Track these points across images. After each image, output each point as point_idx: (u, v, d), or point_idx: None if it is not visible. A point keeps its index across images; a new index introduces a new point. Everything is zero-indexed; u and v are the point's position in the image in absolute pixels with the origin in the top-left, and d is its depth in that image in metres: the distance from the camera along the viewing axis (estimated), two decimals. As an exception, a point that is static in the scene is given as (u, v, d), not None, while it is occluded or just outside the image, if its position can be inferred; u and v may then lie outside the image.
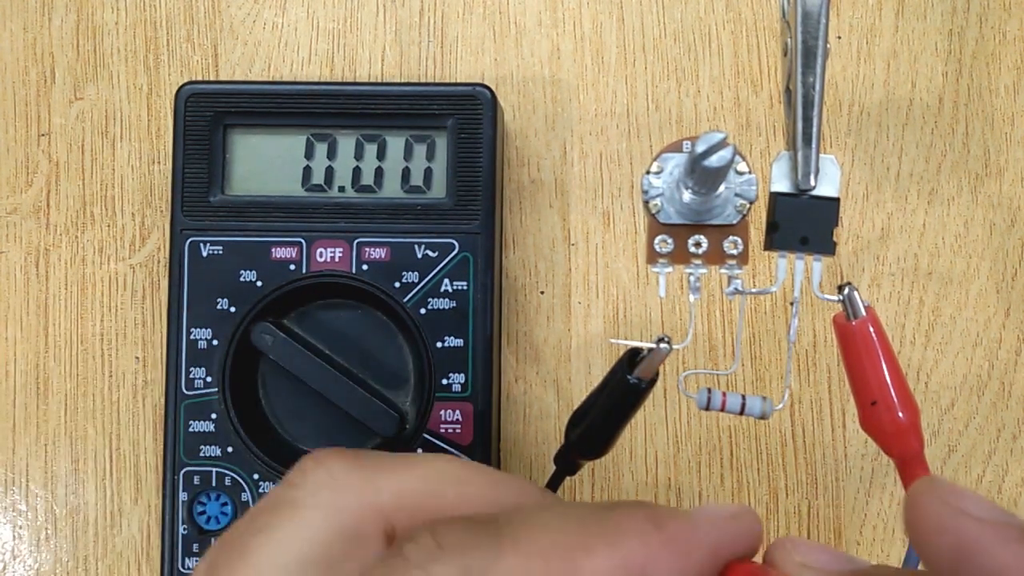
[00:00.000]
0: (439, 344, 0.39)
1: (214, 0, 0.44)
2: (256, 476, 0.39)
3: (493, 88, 0.40)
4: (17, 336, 0.43)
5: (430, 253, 0.39)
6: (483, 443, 0.39)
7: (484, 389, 0.39)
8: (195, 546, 0.39)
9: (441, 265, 0.39)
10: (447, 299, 0.39)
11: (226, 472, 0.39)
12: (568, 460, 0.33)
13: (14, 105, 0.44)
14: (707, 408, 0.29)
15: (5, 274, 0.43)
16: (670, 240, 0.29)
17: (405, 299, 0.39)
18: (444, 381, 0.39)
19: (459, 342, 0.39)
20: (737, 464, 0.43)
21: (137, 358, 0.43)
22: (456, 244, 0.39)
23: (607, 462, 0.43)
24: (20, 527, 0.43)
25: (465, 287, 0.39)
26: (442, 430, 0.39)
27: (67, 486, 0.43)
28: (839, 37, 0.44)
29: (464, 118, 0.40)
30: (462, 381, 0.39)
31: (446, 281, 0.39)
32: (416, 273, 0.39)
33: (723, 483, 0.42)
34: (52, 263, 0.43)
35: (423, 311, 0.39)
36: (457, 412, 0.39)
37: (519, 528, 0.23)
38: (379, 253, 0.39)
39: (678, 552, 0.22)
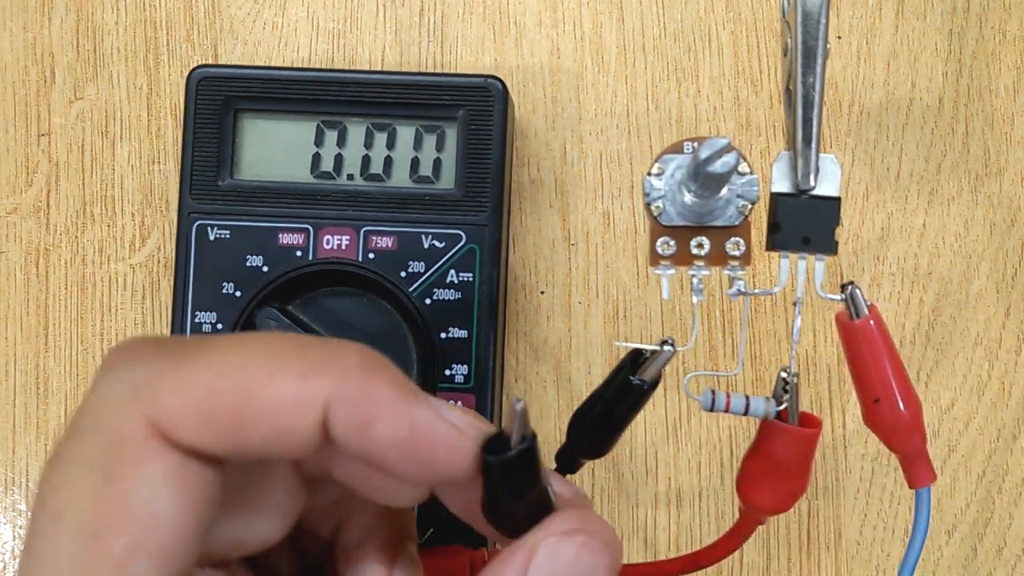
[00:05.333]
0: (443, 335, 0.39)
1: (214, 0, 0.44)
2: None
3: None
4: (17, 336, 0.43)
5: (437, 244, 0.39)
6: None
7: (487, 381, 0.39)
8: None
9: (448, 256, 0.39)
10: (453, 290, 0.39)
11: None
12: (569, 458, 0.33)
13: (14, 105, 0.44)
14: (711, 409, 0.29)
15: (5, 274, 0.43)
16: (672, 242, 0.29)
17: (411, 289, 0.39)
18: (447, 372, 0.39)
19: (463, 333, 0.39)
20: (737, 464, 0.43)
21: (137, 358, 0.43)
22: (463, 235, 0.39)
23: (607, 462, 0.43)
24: (20, 527, 0.43)
25: (471, 278, 0.39)
26: None
27: (67, 486, 0.43)
28: (839, 37, 0.44)
29: (475, 110, 0.40)
30: (465, 372, 0.39)
31: (452, 272, 0.39)
32: (422, 263, 0.39)
33: (723, 483, 0.42)
34: (52, 263, 0.43)
35: (428, 301, 0.39)
36: (459, 403, 0.39)
37: (213, 348, 0.23)
38: (386, 242, 0.39)
39: (361, 419, 0.22)
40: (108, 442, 0.22)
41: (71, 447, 0.23)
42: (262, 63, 0.44)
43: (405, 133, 0.40)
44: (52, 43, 0.44)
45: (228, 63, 0.44)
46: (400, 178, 0.40)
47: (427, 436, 0.23)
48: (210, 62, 0.44)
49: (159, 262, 0.43)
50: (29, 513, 0.22)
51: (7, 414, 0.43)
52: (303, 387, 0.22)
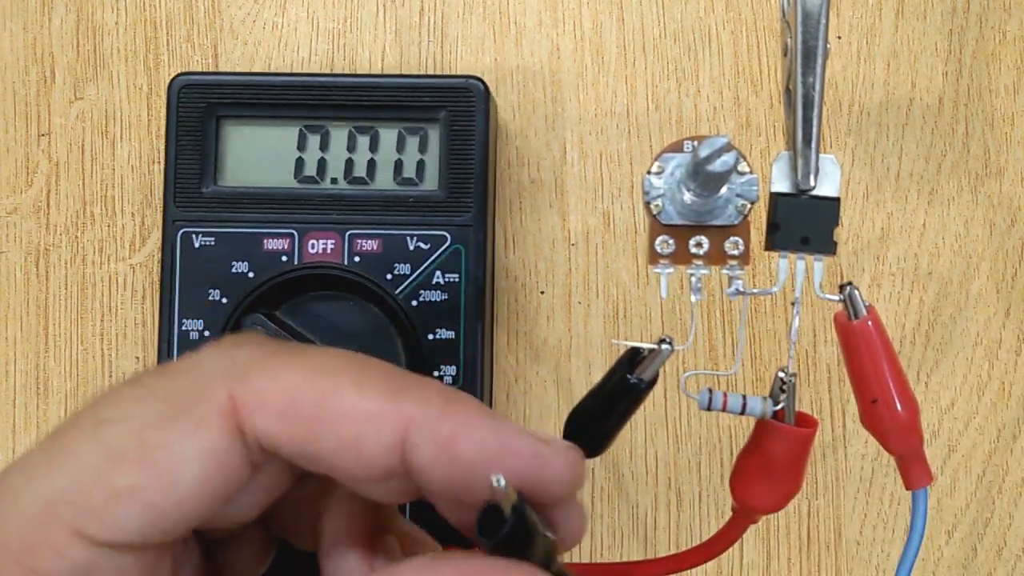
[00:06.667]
0: (431, 336, 0.39)
1: (214, 0, 0.44)
2: None
3: (491, 84, 0.40)
4: (17, 336, 0.43)
5: (422, 245, 0.39)
6: None
7: (476, 381, 0.39)
8: None
9: (433, 257, 0.39)
10: (439, 291, 0.39)
11: None
12: None
13: (14, 105, 0.44)
14: (708, 408, 0.29)
15: (5, 274, 0.43)
16: (671, 241, 0.29)
17: (397, 291, 0.39)
18: (436, 373, 0.39)
19: (451, 334, 0.39)
20: (737, 464, 0.43)
21: (137, 358, 0.43)
22: (448, 236, 0.39)
23: (607, 462, 0.43)
24: (20, 527, 0.43)
25: (457, 279, 0.39)
26: None
27: (67, 486, 0.43)
28: (839, 37, 0.44)
29: (457, 110, 0.40)
30: (453, 373, 0.39)
31: (438, 273, 0.39)
32: (408, 265, 0.39)
33: (723, 483, 0.42)
34: (52, 263, 0.43)
35: (415, 303, 0.39)
36: None
37: (309, 352, 0.24)
38: (371, 245, 0.39)
39: (447, 435, 0.23)
40: (185, 392, 0.23)
41: (154, 380, 0.24)
42: (262, 63, 0.44)
43: (388, 135, 0.40)
44: (52, 43, 0.44)
45: (210, 70, 0.44)
46: (384, 181, 0.40)
47: (516, 450, 0.23)
48: (193, 70, 0.44)
49: (159, 262, 0.43)
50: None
51: (7, 414, 0.43)
52: (384, 405, 0.23)
